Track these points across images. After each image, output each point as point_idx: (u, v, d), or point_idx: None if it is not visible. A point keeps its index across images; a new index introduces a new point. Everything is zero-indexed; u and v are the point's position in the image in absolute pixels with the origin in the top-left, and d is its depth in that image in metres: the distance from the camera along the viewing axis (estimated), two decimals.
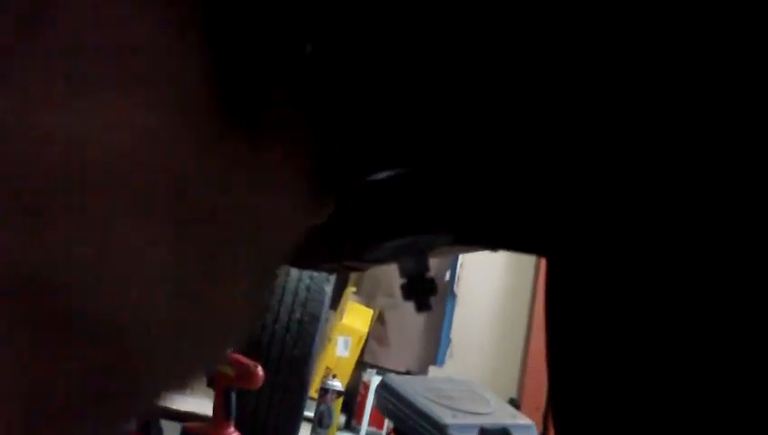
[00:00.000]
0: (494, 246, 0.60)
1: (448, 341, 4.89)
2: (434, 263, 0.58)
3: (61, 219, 0.22)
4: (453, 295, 4.89)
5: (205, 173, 0.26)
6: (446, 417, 3.16)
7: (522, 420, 3.50)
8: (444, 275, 4.78)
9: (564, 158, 0.54)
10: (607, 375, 0.59)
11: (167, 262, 0.24)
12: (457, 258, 4.83)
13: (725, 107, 0.47)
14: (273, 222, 0.29)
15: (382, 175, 0.56)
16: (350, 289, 4.52)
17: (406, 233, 0.57)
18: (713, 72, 0.46)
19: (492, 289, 5.16)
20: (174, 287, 0.25)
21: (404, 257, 0.58)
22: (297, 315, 2.82)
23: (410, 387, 3.36)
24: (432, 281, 0.57)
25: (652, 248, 0.55)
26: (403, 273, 0.58)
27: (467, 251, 0.85)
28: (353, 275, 4.66)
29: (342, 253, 0.73)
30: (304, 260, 1.14)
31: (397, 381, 3.49)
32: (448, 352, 4.89)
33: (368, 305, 4.56)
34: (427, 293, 0.57)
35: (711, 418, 0.53)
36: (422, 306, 0.58)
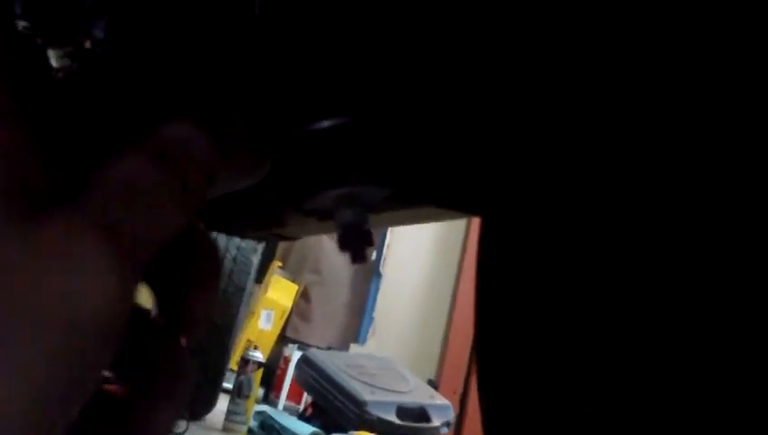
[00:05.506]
0: (431, 202, 0.61)
1: (371, 319, 4.92)
2: None
3: None
4: (378, 275, 4.91)
5: None
6: (365, 393, 3.18)
7: (439, 400, 3.55)
8: (370, 254, 4.80)
9: (508, 118, 0.55)
10: (535, 334, 0.60)
11: None
12: (384, 238, 4.85)
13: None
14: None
15: (324, 124, 0.56)
16: (276, 263, 4.50)
17: (345, 183, 0.57)
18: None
19: (417, 271, 5.19)
20: None
21: (342, 209, 0.59)
22: (222, 286, 2.80)
23: (331, 362, 3.37)
24: (369, 232, 0.58)
25: (586, 210, 0.56)
26: (339, 224, 0.58)
27: (404, 220, 0.85)
28: (280, 250, 4.64)
29: (280, 205, 0.73)
30: (231, 225, 1.14)
31: (318, 355, 3.50)
32: (370, 331, 4.91)
33: (293, 281, 4.55)
34: (363, 243, 0.57)
35: (631, 386, 0.55)
36: (357, 257, 0.58)
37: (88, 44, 0.61)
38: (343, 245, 0.58)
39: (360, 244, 0.57)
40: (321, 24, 0.53)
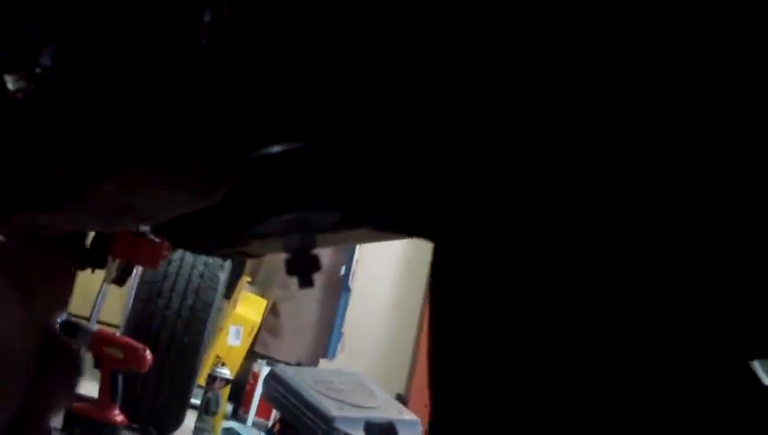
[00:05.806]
0: (380, 226, 0.61)
1: (340, 334, 4.91)
2: (330, 257, 0.59)
3: None
4: (347, 290, 4.90)
5: None
6: (333, 409, 3.17)
7: (408, 415, 3.55)
8: (339, 269, 4.80)
9: (459, 143, 0.55)
10: (486, 361, 0.61)
11: None
12: (353, 254, 4.85)
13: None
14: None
15: (275, 149, 0.57)
16: (245, 279, 4.48)
17: (295, 208, 0.58)
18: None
19: (386, 286, 5.20)
20: None
21: (290, 234, 0.59)
22: (189, 302, 2.79)
23: (299, 378, 3.36)
24: (316, 257, 0.58)
25: (537, 236, 0.57)
26: (287, 248, 0.59)
27: (357, 240, 0.85)
28: (249, 265, 4.63)
29: (232, 227, 0.74)
30: (196, 242, 1.13)
31: (286, 371, 3.49)
32: (340, 346, 4.90)
33: (262, 296, 4.54)
34: (309, 269, 0.58)
35: (587, 410, 0.55)
36: (305, 282, 0.59)
37: (38, 70, 0.61)
38: (291, 270, 0.59)
39: (307, 269, 0.58)
40: (270, 51, 0.54)
